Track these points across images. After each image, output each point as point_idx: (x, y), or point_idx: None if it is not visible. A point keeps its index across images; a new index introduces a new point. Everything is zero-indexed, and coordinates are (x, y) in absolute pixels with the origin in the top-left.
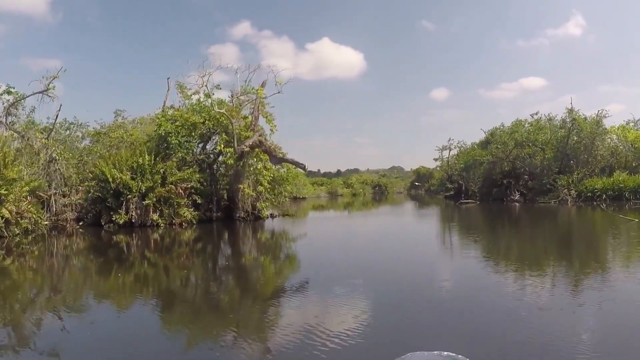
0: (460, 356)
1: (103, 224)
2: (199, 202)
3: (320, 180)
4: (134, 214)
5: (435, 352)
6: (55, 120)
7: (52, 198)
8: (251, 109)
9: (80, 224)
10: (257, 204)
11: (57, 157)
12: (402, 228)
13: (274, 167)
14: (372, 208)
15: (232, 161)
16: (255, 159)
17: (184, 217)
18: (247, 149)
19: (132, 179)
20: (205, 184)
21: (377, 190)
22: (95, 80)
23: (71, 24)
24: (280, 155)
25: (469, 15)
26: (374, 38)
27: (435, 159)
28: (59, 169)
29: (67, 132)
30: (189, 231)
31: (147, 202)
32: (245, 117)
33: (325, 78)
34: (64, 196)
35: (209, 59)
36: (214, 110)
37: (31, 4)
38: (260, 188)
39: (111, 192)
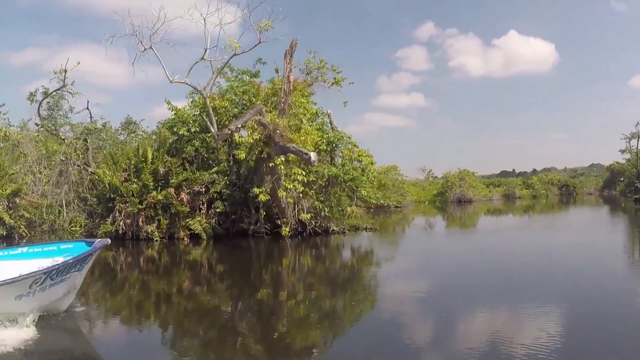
0: None
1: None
2: (220, 210)
3: (496, 180)
4: (121, 224)
5: None
6: (91, 120)
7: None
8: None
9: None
10: (302, 216)
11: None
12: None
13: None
14: (544, 213)
15: (243, 155)
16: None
17: (192, 229)
18: (232, 133)
19: (126, 180)
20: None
21: (564, 191)
22: None
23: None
24: (285, 143)
25: None
26: (563, 26)
27: (622, 151)
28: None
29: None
30: (195, 249)
31: (130, 209)
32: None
33: (515, 73)
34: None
35: None
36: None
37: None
38: (280, 193)
39: (107, 197)
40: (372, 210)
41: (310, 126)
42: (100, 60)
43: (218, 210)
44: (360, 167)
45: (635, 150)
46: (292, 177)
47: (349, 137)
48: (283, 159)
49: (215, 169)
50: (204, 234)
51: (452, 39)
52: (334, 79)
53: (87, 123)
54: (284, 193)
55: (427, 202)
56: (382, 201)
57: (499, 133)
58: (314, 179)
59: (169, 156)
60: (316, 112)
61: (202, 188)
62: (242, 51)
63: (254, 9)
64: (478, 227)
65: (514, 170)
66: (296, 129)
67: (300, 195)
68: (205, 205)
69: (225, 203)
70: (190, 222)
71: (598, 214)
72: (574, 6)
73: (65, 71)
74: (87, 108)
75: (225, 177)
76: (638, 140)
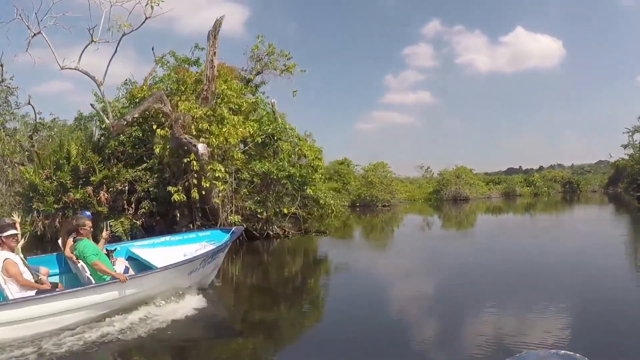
0: (578, 355)
1: None
2: (144, 210)
3: (496, 178)
4: (40, 224)
5: (552, 350)
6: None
7: None
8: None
9: None
10: (231, 217)
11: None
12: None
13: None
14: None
15: (158, 150)
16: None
17: (113, 231)
18: (127, 123)
19: (47, 178)
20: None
21: (568, 188)
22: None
23: (268, 41)
24: (179, 134)
25: None
26: (571, 22)
27: (624, 146)
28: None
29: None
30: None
31: (44, 208)
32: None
33: (523, 70)
34: None
35: None
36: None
37: (229, 27)
38: (193, 193)
39: (29, 196)
40: (357, 209)
41: (245, 117)
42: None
43: (142, 210)
44: (309, 164)
45: (639, 145)
46: (209, 174)
47: (293, 129)
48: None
49: (144, 165)
50: (126, 237)
51: (459, 36)
52: (284, 65)
53: (28, 118)
54: (200, 192)
55: (421, 200)
56: (331, 202)
57: (505, 130)
58: (247, 176)
59: (94, 152)
60: (256, 102)
61: (124, 186)
62: (132, 29)
63: None
64: (458, 229)
65: (520, 167)
66: (218, 120)
67: (230, 194)
68: (133, 206)
69: (154, 203)
70: (111, 223)
71: (596, 214)
72: (580, 1)
73: (2, 65)
74: (30, 103)
75: (155, 175)
76: None
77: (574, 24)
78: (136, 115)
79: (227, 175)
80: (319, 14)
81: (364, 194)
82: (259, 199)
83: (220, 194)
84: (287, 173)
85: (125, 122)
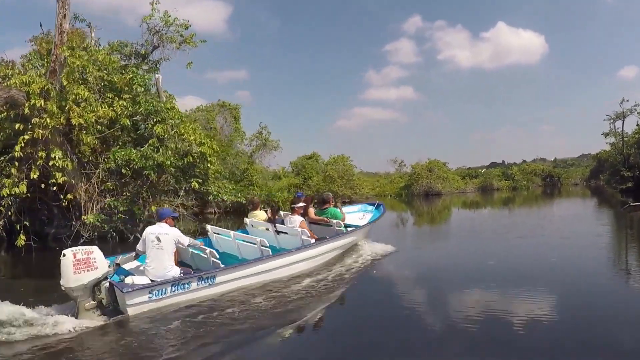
0: None
1: None
2: (2, 209)
3: (473, 171)
4: None
5: None
6: None
7: None
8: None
9: None
10: (84, 217)
11: None
12: None
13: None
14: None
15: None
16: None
17: None
18: None
19: None
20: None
21: (548, 182)
22: (278, 87)
23: (251, 38)
24: None
25: None
26: (553, 18)
27: (606, 134)
28: None
29: None
30: None
31: None
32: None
33: (505, 65)
34: None
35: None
36: None
37: (210, 24)
38: (22, 187)
39: None
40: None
41: (116, 94)
42: None
43: (1, 209)
44: (197, 152)
45: (621, 133)
46: (39, 162)
47: (170, 108)
48: (27, 137)
49: (9, 155)
50: None
51: (441, 32)
52: (181, 35)
53: None
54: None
55: (392, 196)
56: (225, 197)
57: (488, 125)
58: (113, 165)
59: None
60: (132, 79)
61: None
62: None
63: None
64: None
65: (503, 161)
66: (63, 97)
67: (97, 189)
68: None
69: (17, 200)
70: None
71: (578, 211)
72: None
73: None
74: None
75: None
76: (623, 121)
77: (556, 19)
78: None
79: (70, 163)
80: (301, 10)
81: (323, 190)
82: (128, 194)
83: (83, 189)
84: (153, 162)
85: None
